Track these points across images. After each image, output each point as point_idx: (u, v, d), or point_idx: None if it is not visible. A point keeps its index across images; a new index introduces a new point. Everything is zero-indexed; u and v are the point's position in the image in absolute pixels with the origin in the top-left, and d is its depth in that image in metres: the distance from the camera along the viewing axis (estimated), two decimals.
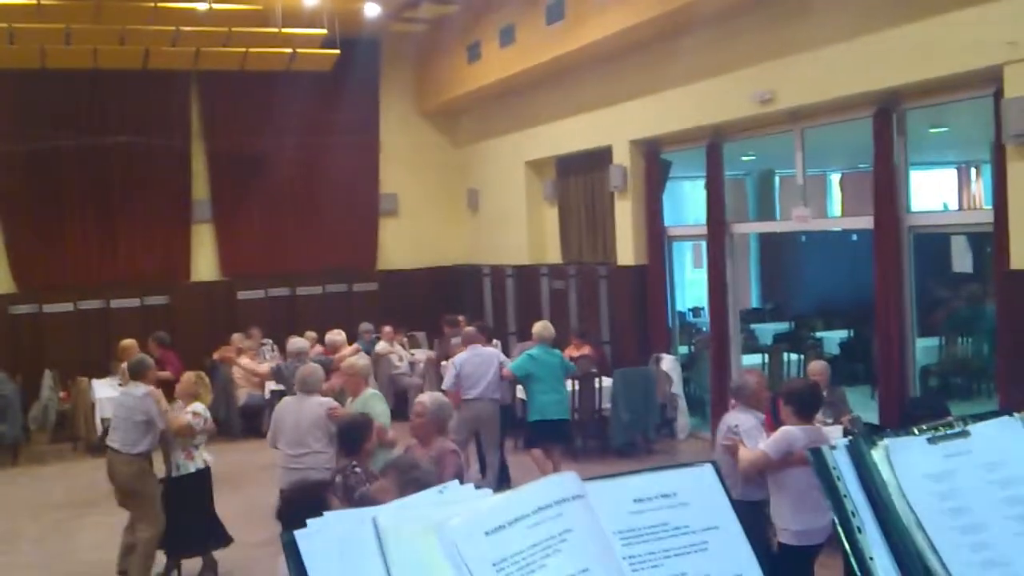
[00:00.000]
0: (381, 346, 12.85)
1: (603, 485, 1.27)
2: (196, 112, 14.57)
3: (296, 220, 14.92)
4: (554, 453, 9.11)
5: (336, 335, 10.72)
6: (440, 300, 14.88)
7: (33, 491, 10.16)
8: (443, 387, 8.94)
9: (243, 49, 12.37)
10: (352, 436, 5.58)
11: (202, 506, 7.21)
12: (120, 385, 9.67)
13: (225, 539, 7.32)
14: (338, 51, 12.98)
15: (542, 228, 14.11)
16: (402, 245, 15.79)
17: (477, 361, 9.13)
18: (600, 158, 12.14)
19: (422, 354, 13.40)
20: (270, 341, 13.53)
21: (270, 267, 14.80)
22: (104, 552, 8.02)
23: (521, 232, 14.29)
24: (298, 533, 1.16)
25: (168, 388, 9.31)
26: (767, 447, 5.41)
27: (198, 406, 7.24)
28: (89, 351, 11.79)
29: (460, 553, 1.16)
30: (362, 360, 7.81)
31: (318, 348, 13.22)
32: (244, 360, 12.65)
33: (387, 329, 13.36)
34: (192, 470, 7.13)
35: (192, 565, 7.37)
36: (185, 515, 7.05)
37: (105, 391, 11.20)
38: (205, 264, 14.77)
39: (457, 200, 16.01)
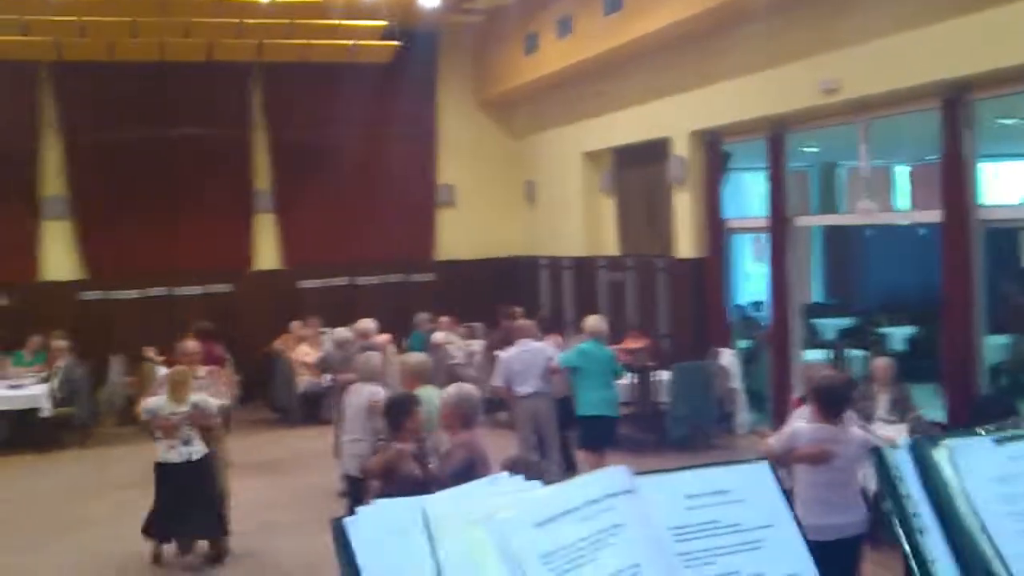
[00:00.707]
0: (438, 336, 12.89)
1: (655, 480, 1.25)
2: (258, 104, 14.75)
3: (355, 210, 15.05)
4: (601, 454, 8.92)
5: (367, 323, 10.67)
6: (497, 291, 14.87)
7: (101, 472, 10.40)
8: (492, 383, 8.88)
9: (304, 41, 12.50)
10: (394, 413, 5.61)
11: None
12: None
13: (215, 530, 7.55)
14: (398, 43, 13.05)
15: (599, 220, 14.05)
16: (459, 236, 15.84)
17: (526, 357, 8.95)
18: (658, 149, 12.04)
19: (479, 345, 13.42)
20: (329, 330, 13.65)
21: (330, 257, 14.96)
22: None
23: (578, 224, 14.24)
24: (347, 520, 1.16)
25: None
26: (773, 439, 5.45)
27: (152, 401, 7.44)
28: (154, 337, 11.99)
29: (509, 545, 1.15)
30: (413, 357, 7.75)
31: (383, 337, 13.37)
32: (302, 348, 12.83)
33: (445, 319, 13.41)
34: (193, 457, 7.32)
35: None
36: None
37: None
38: (267, 253, 14.98)
39: (514, 191, 16.00)
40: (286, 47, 12.63)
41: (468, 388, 5.86)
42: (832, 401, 5.41)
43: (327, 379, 12.02)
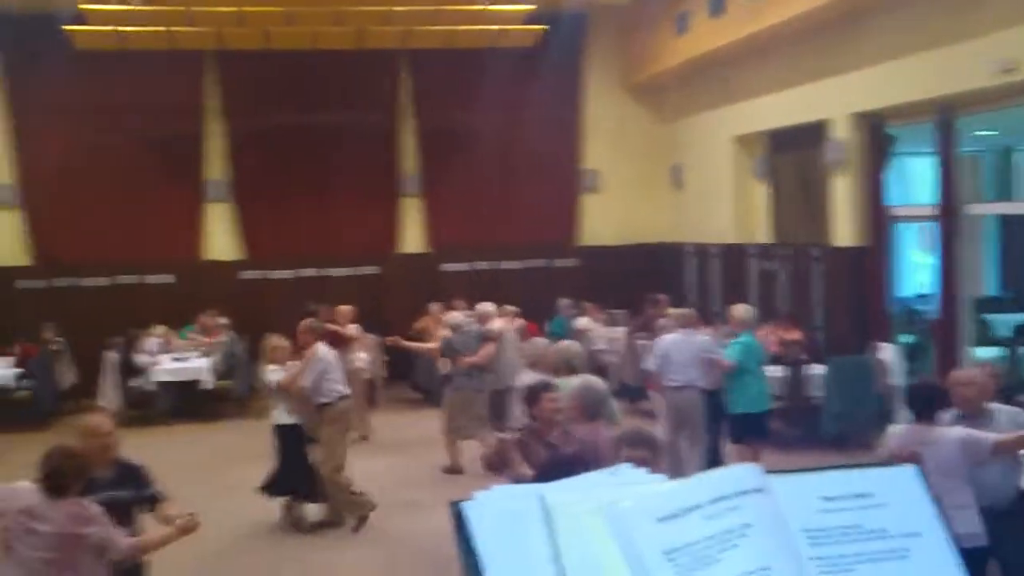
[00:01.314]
0: (582, 322, 12.86)
1: (790, 480, 1.18)
2: (405, 89, 15.02)
3: (499, 195, 15.15)
4: (758, 448, 8.65)
5: (487, 306, 10.61)
6: (641, 278, 14.69)
7: (255, 440, 10.80)
8: (644, 367, 8.74)
9: (450, 27, 12.62)
10: (527, 400, 5.64)
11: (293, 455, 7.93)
12: None
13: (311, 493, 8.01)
14: (544, 26, 13.02)
15: (750, 206, 13.66)
16: (603, 221, 15.72)
17: (684, 347, 8.63)
18: (815, 132, 11.58)
19: (621, 332, 13.30)
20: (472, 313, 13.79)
21: (473, 241, 15.12)
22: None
23: (728, 210, 13.89)
24: (465, 504, 1.14)
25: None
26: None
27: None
28: (308, 313, 12.40)
29: (630, 537, 1.11)
30: (561, 345, 7.68)
31: (519, 322, 13.42)
32: (443, 332, 12.99)
33: (589, 305, 13.36)
34: (283, 421, 7.91)
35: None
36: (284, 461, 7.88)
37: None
38: (412, 237, 15.27)
39: (661, 176, 15.75)
40: (432, 33, 12.79)
41: (593, 381, 5.78)
42: (921, 403, 5.30)
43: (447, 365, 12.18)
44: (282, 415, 7.92)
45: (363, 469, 8.95)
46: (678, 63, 13.65)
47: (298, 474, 7.93)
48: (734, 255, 13.71)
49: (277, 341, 8.26)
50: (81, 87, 13.59)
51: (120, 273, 14.19)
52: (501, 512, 1.14)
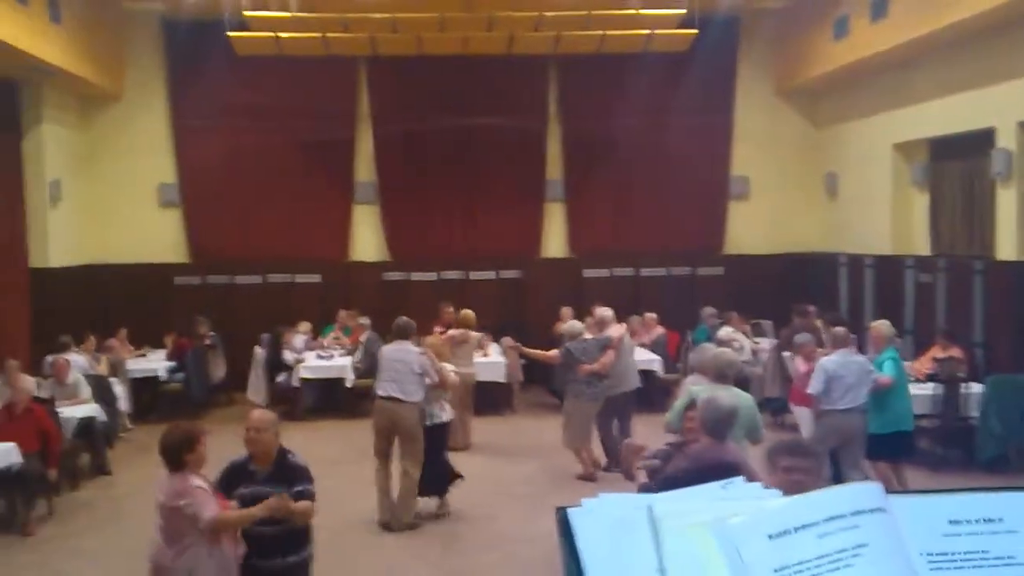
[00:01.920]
0: (724, 332, 12.60)
1: (914, 501, 1.12)
2: (552, 95, 15.10)
3: (643, 201, 15.04)
4: (902, 468, 8.35)
5: (605, 311, 10.40)
6: (790, 288, 14.33)
7: None
8: (810, 391, 8.33)
9: (601, 32, 12.59)
10: None
11: (441, 452, 8.24)
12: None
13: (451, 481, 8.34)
14: (696, 31, 12.84)
15: (908, 216, 13.10)
16: (752, 229, 15.38)
17: (853, 367, 8.22)
18: (980, 140, 11.01)
19: (767, 343, 12.98)
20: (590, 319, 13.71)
21: (616, 246, 15.06)
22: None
23: (884, 220, 13.35)
24: (571, 510, 1.14)
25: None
26: None
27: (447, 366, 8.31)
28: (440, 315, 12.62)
29: (739, 553, 1.08)
30: (710, 353, 7.54)
31: (659, 329, 13.29)
32: (585, 337, 12.97)
33: (733, 315, 13.08)
34: (444, 420, 8.20)
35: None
36: (431, 458, 8.12)
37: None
38: (555, 242, 15.32)
39: (813, 184, 15.29)
40: (583, 38, 12.79)
41: (720, 398, 5.63)
42: None
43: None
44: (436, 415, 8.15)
45: (488, 472, 9.06)
46: (835, 68, 13.22)
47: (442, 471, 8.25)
48: (889, 266, 13.18)
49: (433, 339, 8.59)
50: (240, 91, 14.26)
51: (271, 272, 14.80)
52: (607, 520, 1.13)
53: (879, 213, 13.47)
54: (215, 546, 4.72)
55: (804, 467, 4.00)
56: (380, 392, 8.24)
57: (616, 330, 10.13)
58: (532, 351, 10.73)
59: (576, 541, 1.11)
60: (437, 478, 8.28)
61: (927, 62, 11.71)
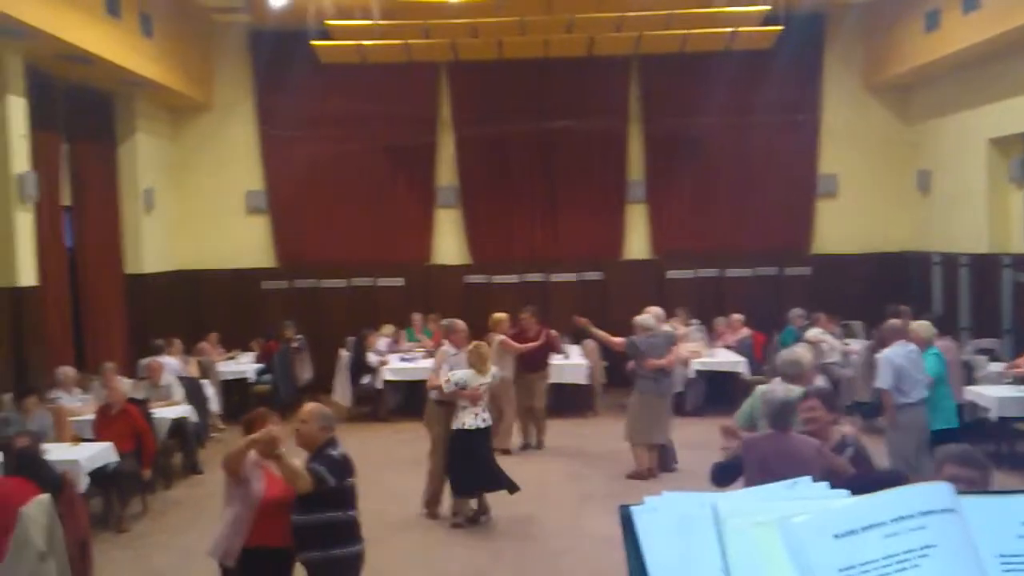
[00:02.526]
0: (812, 333, 12.36)
1: (985, 502, 1.10)
2: (634, 95, 15.01)
3: (727, 201, 14.86)
4: None
5: (656, 310, 10.22)
6: (880, 288, 14.01)
7: None
8: (879, 384, 8.23)
9: (683, 31, 12.47)
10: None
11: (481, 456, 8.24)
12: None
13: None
14: (780, 27, 12.63)
15: (1006, 213, 12.66)
16: (840, 228, 15.05)
17: (914, 358, 8.15)
18: None
19: (857, 344, 12.68)
20: (698, 321, 13.60)
21: (699, 247, 14.90)
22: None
23: (979, 217, 12.93)
24: (635, 508, 1.14)
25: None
26: None
27: (459, 373, 8.20)
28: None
29: (804, 553, 1.07)
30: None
31: (745, 330, 13.13)
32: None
33: (821, 316, 12.83)
34: (468, 427, 8.12)
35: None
36: (468, 462, 8.16)
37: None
38: (637, 243, 15.22)
39: (904, 181, 14.89)
40: (664, 38, 12.68)
41: (778, 390, 5.55)
42: None
43: (694, 369, 12.07)
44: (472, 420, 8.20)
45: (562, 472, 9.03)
46: (926, 61, 12.86)
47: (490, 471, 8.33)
48: (985, 265, 12.77)
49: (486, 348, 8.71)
50: (323, 99, 14.57)
51: (355, 276, 15.04)
52: (671, 518, 1.13)
53: (974, 210, 13.05)
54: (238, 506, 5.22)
55: (969, 477, 3.78)
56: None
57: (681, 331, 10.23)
58: (600, 332, 10.62)
59: (639, 539, 1.11)
60: (471, 481, 8.32)
61: (1022, 54, 11.31)
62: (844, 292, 14.24)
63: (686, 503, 1.14)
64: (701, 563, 1.09)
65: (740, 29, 12.48)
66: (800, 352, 7.03)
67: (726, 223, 14.81)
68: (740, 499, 1.13)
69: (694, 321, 13.55)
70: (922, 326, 8.66)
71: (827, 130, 15.05)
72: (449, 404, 8.32)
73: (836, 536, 1.07)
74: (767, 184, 14.76)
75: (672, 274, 14.96)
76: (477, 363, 8.25)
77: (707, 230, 14.86)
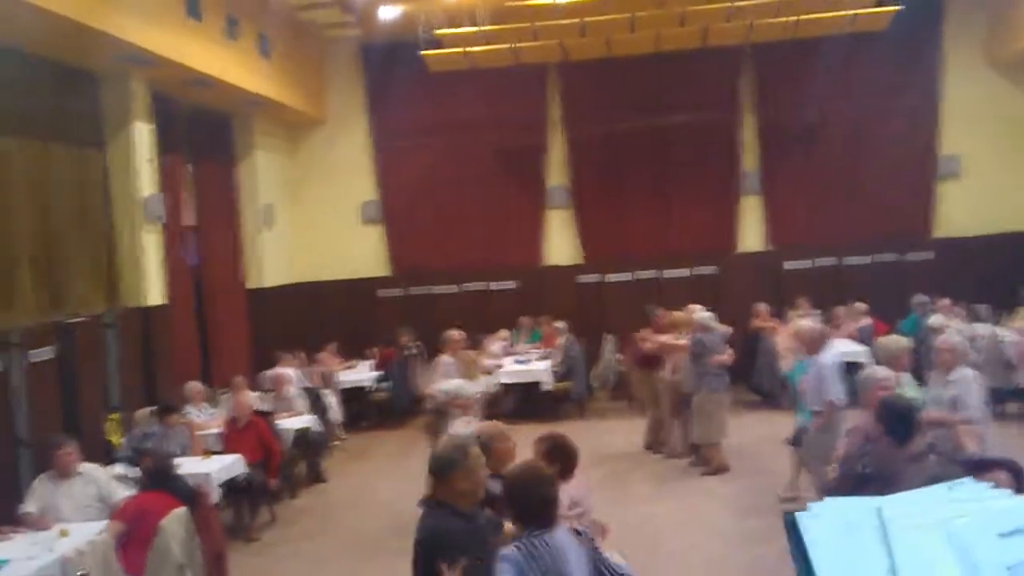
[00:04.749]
0: (935, 320, 11.96)
1: None
2: (746, 85, 14.77)
3: (844, 187, 14.47)
4: None
5: (695, 308, 10.08)
6: (1008, 270, 13.45)
7: (595, 442, 11.14)
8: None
9: (796, 17, 12.20)
10: None
11: None
12: None
13: None
14: (897, 7, 12.26)
15: None
16: (964, 210, 14.48)
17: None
18: None
19: (984, 329, 12.22)
20: (817, 312, 13.32)
21: (817, 236, 14.57)
22: (654, 505, 8.68)
23: None
24: (799, 514, 1.19)
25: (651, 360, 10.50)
26: None
27: (450, 383, 8.15)
28: (643, 318, 12.59)
29: (970, 553, 1.10)
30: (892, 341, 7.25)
31: (867, 319, 12.78)
32: (788, 331, 12.66)
33: (944, 302, 12.41)
34: None
35: None
36: None
37: None
38: (752, 235, 14.97)
39: None
40: (776, 25, 12.41)
41: (877, 370, 5.51)
42: None
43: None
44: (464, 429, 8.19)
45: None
46: None
47: None
48: None
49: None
50: (433, 107, 14.76)
51: (468, 281, 15.19)
52: (836, 523, 1.17)
53: None
54: None
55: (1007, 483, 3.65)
56: None
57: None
58: (661, 338, 10.57)
59: (805, 544, 1.16)
60: None
61: None
62: (969, 275, 13.70)
63: (850, 508, 1.18)
64: (868, 565, 1.13)
65: (855, 11, 12.13)
66: (895, 338, 7.17)
67: (843, 210, 14.43)
68: (903, 503, 1.17)
69: (815, 311, 13.28)
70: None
71: (948, 110, 14.50)
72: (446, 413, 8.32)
73: (1001, 535, 1.10)
74: (885, 168, 14.32)
75: (789, 265, 14.65)
76: (464, 371, 8.24)
77: (823, 218, 14.51)
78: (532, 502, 3.71)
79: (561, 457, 4.69)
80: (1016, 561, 1.05)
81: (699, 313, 9.93)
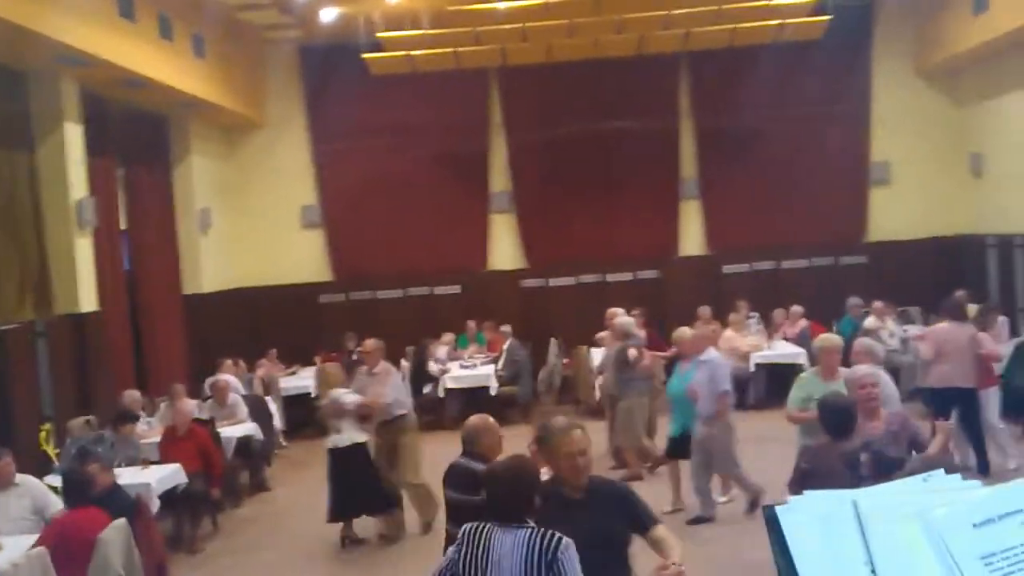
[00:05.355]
0: (870, 322, 12.28)
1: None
2: (684, 92, 14.99)
3: (781, 193, 14.77)
4: None
5: (626, 318, 10.20)
6: (936, 273, 13.87)
7: None
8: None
9: (731, 26, 12.41)
10: None
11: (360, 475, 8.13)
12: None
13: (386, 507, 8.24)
14: (829, 16, 12.54)
15: None
16: (894, 215, 14.90)
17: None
18: None
19: (915, 330, 12.55)
20: (756, 315, 13.56)
21: (755, 241, 14.83)
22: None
23: None
24: (779, 508, 1.20)
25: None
26: None
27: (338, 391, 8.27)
28: (588, 322, 12.66)
29: (945, 543, 1.12)
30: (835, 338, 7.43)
31: (804, 322, 13.02)
32: (729, 334, 12.86)
33: (878, 304, 12.73)
34: (341, 444, 8.11)
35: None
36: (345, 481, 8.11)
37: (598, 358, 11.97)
38: (693, 239, 15.19)
39: (957, 165, 14.68)
40: (713, 33, 12.64)
41: (857, 368, 5.69)
42: None
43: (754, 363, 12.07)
44: (351, 436, 8.14)
45: None
46: (975, 44, 12.69)
47: (373, 491, 8.19)
48: None
49: (332, 368, 8.97)
50: (374, 111, 14.66)
51: (411, 285, 15.15)
52: (814, 515, 1.18)
53: None
54: None
55: None
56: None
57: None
58: (657, 354, 10.67)
59: (785, 537, 1.17)
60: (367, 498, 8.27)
61: None
62: (901, 279, 14.11)
63: (827, 500, 1.20)
64: (846, 557, 1.14)
65: (789, 21, 12.40)
66: (830, 336, 7.41)
67: (780, 215, 14.73)
68: (878, 495, 1.19)
69: (753, 314, 13.50)
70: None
71: (878, 118, 14.92)
72: (391, 421, 8.48)
73: (975, 525, 1.12)
74: (819, 174, 14.67)
75: (728, 269, 14.93)
76: (323, 382, 8.68)
77: (761, 223, 14.78)
78: (498, 493, 3.72)
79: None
80: (989, 551, 1.07)
81: (621, 318, 10.01)
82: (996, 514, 1.12)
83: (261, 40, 14.69)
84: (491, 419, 5.35)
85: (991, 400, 8.82)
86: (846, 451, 5.08)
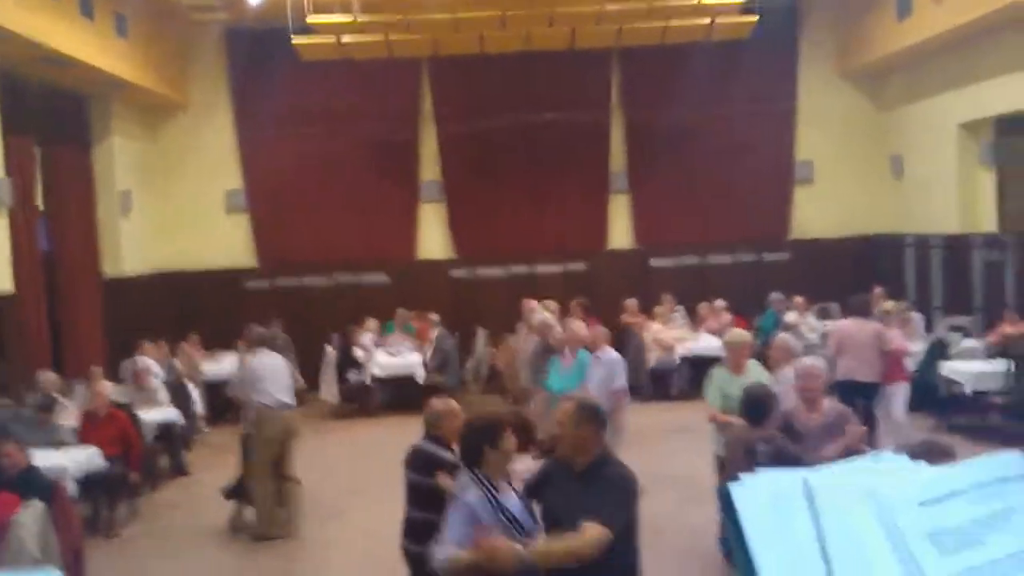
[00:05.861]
0: (791, 317, 12.57)
1: None
2: (615, 87, 15.10)
3: (708, 189, 14.99)
4: None
5: (547, 316, 10.10)
6: (856, 271, 14.24)
7: None
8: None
9: (663, 23, 12.55)
10: None
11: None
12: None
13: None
14: (757, 17, 12.76)
15: (975, 195, 12.90)
16: (817, 213, 15.26)
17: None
18: None
19: (835, 326, 12.88)
20: (682, 308, 13.76)
21: (681, 236, 15.04)
22: None
23: (951, 199, 13.16)
24: (732, 485, 1.22)
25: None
26: None
27: None
28: (516, 312, 12.68)
29: (894, 521, 1.15)
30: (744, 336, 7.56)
31: (727, 316, 13.25)
32: (654, 326, 13.03)
33: (799, 300, 13.04)
34: None
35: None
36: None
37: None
38: (621, 232, 15.33)
39: (879, 166, 15.10)
40: (644, 30, 12.74)
41: (806, 360, 5.91)
42: None
43: (679, 356, 12.14)
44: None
45: None
46: (899, 48, 13.04)
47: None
48: (957, 246, 13.01)
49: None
50: (303, 96, 14.46)
51: (339, 272, 15.01)
52: (766, 493, 1.21)
53: (946, 193, 13.28)
54: None
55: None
56: (271, 400, 8.30)
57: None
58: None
59: (738, 514, 1.19)
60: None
61: (991, 40, 11.51)
62: (822, 276, 14.45)
63: (779, 480, 1.23)
64: (797, 534, 1.17)
65: (718, 20, 12.58)
66: (738, 331, 7.56)
67: (706, 211, 14.95)
68: (829, 474, 1.22)
69: (678, 308, 13.71)
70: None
71: (803, 118, 15.24)
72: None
73: (922, 504, 1.16)
74: (746, 172, 14.91)
75: (655, 263, 15.11)
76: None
77: (688, 218, 15.00)
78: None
79: (519, 432, 4.77)
80: (935, 528, 1.11)
81: (539, 313, 10.03)
82: (941, 493, 1.16)
83: (187, 21, 14.34)
84: (454, 403, 5.38)
85: (898, 395, 9.07)
86: (750, 439, 5.32)
